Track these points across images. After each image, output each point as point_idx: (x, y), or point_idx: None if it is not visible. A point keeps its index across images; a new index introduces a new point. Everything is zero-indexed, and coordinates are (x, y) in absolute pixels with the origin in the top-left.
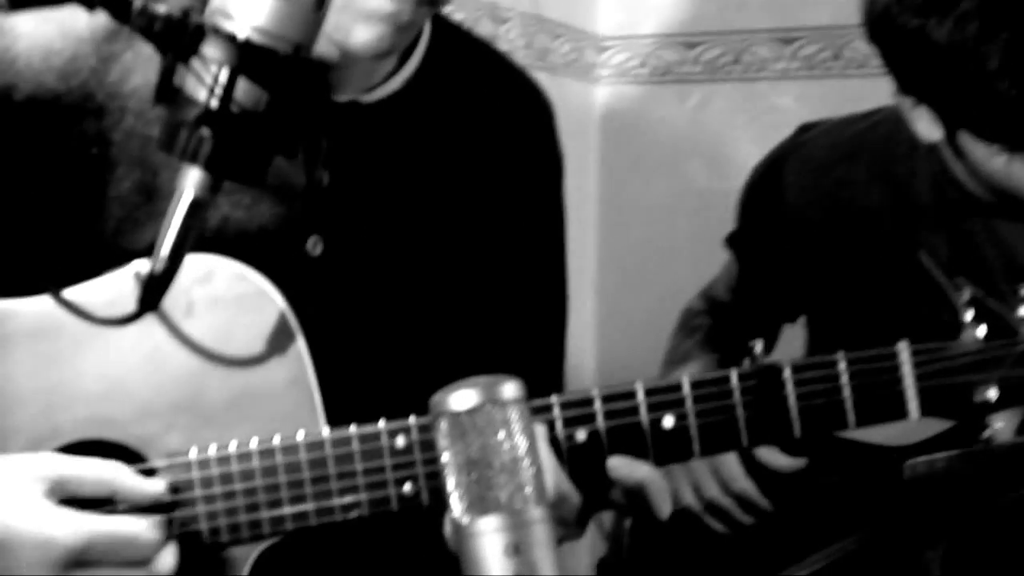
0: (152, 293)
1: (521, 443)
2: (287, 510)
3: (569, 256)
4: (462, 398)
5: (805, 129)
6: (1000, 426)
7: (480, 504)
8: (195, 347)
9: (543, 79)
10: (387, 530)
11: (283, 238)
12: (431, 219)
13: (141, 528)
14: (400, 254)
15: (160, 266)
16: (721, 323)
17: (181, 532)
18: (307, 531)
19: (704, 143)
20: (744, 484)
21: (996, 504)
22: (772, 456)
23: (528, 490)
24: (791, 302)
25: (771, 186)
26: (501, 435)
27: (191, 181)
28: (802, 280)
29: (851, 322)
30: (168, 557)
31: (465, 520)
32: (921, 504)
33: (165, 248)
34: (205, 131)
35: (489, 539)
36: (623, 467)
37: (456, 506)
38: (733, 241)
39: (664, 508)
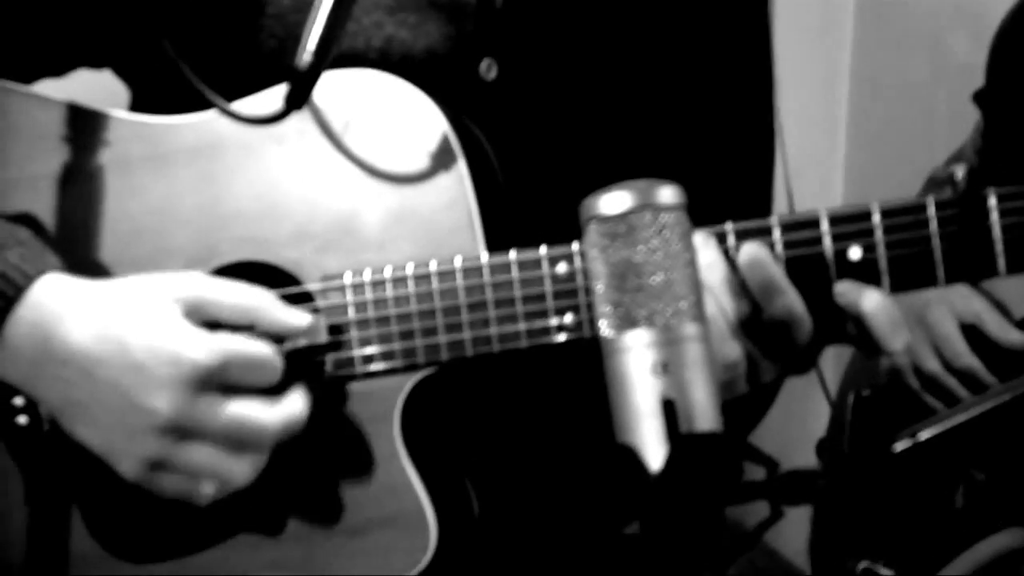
0: (299, 90)
1: (677, 252)
2: (442, 338)
3: (817, 135)
4: (614, 201)
5: None
6: None
7: (628, 317)
8: (353, 163)
9: None
10: (547, 368)
11: (453, 61)
12: (616, 42)
13: (278, 355)
14: (582, 79)
15: (306, 61)
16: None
17: (334, 358)
18: (463, 364)
19: (967, 13)
20: (970, 360)
21: None
22: (1003, 331)
23: (682, 304)
24: None
25: (1021, 32)
26: (655, 243)
27: None
28: None
29: None
30: (305, 394)
31: (611, 335)
32: None
33: (311, 42)
34: None
35: (636, 355)
36: (850, 292)
37: (603, 320)
38: (981, 97)
39: (891, 341)
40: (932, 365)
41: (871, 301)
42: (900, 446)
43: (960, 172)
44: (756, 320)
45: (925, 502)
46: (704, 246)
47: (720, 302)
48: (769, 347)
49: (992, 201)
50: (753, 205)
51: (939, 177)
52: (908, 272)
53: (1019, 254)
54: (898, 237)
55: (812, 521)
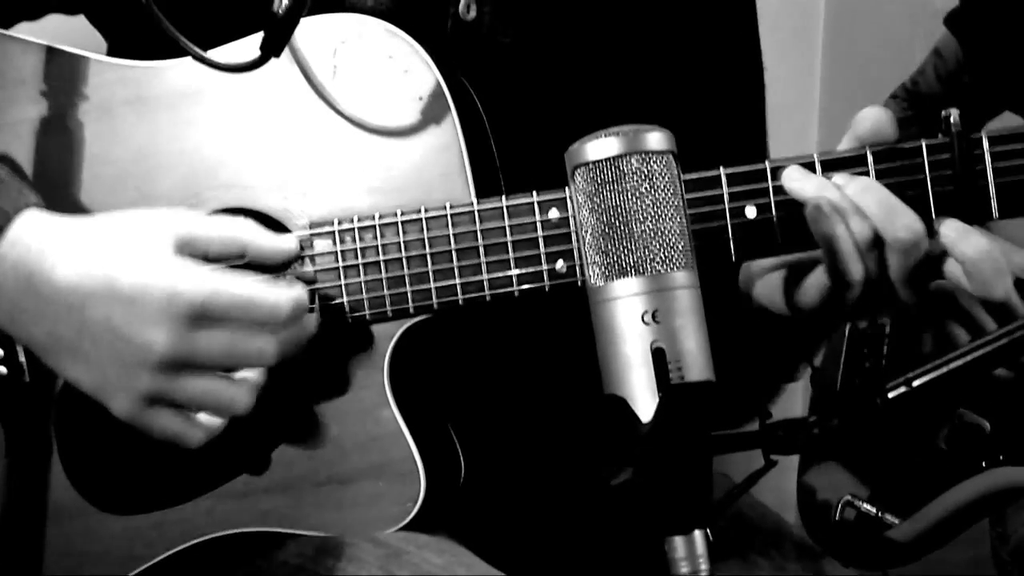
0: (275, 36)
1: (667, 199)
2: (433, 285)
3: (792, 83)
4: (601, 146)
5: None
6: None
7: (617, 265)
8: (340, 110)
9: None
10: (538, 318)
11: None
12: None
13: (271, 289)
14: (567, 18)
15: (283, 6)
16: (924, 116)
17: (325, 303)
18: (454, 312)
19: None
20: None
21: None
22: None
23: (672, 251)
24: (1013, 86)
25: None
26: (644, 189)
27: None
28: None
29: None
30: (308, 322)
31: (600, 283)
32: None
33: None
34: None
35: (625, 304)
36: (954, 231)
37: (591, 268)
38: (954, 21)
39: (993, 287)
40: (1008, 296)
41: (975, 243)
42: (893, 392)
43: (955, 115)
44: (879, 242)
45: (910, 443)
46: (806, 175)
47: (848, 222)
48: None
49: (985, 144)
50: (747, 147)
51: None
52: None
53: (1012, 198)
54: (891, 181)
55: (800, 469)
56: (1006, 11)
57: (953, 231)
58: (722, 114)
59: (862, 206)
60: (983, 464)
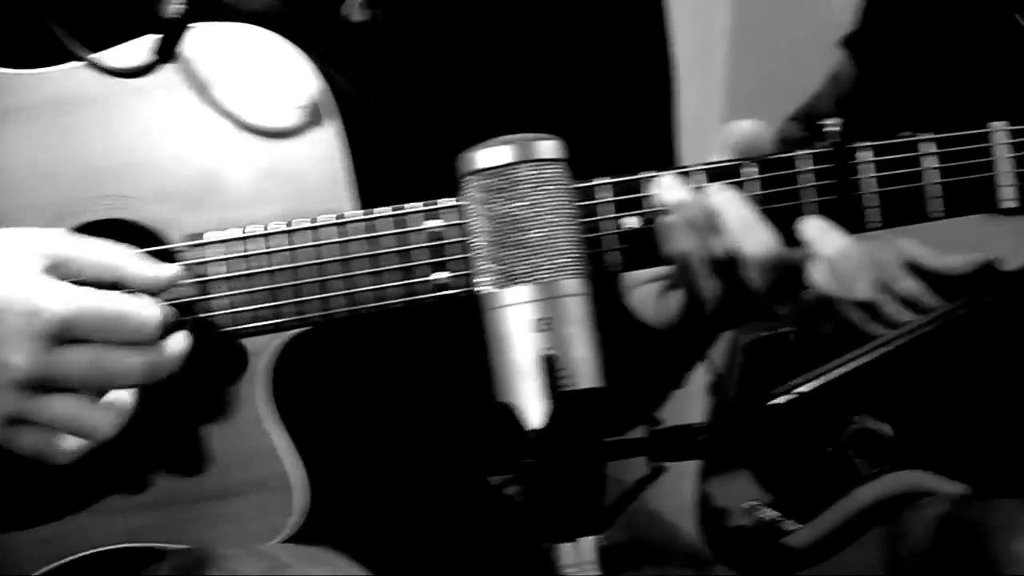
0: (168, 41)
1: (558, 207)
2: (311, 296)
3: (696, 91)
4: (493, 155)
5: None
6: None
7: (508, 273)
8: (221, 119)
9: None
10: (419, 328)
11: (316, 3)
12: None
13: (137, 306)
14: (460, 22)
15: (174, 10)
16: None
17: (196, 318)
18: (335, 325)
19: None
20: (909, 284)
21: None
22: (939, 259)
23: (564, 259)
24: (909, 107)
25: None
26: (535, 197)
27: None
28: (922, 79)
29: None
30: (176, 341)
31: (491, 291)
32: None
33: None
34: None
35: (516, 312)
36: (815, 230)
37: (482, 276)
38: (850, 42)
39: (852, 285)
40: (871, 294)
41: (835, 244)
42: (778, 400)
43: (833, 124)
44: (735, 258)
45: (807, 449)
46: (676, 188)
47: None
48: (739, 285)
49: (863, 154)
50: (655, 154)
51: (792, 137)
52: (782, 225)
53: (891, 208)
54: (774, 191)
55: (698, 476)
56: (901, 33)
57: (814, 230)
58: (629, 120)
59: (721, 221)
60: (882, 468)
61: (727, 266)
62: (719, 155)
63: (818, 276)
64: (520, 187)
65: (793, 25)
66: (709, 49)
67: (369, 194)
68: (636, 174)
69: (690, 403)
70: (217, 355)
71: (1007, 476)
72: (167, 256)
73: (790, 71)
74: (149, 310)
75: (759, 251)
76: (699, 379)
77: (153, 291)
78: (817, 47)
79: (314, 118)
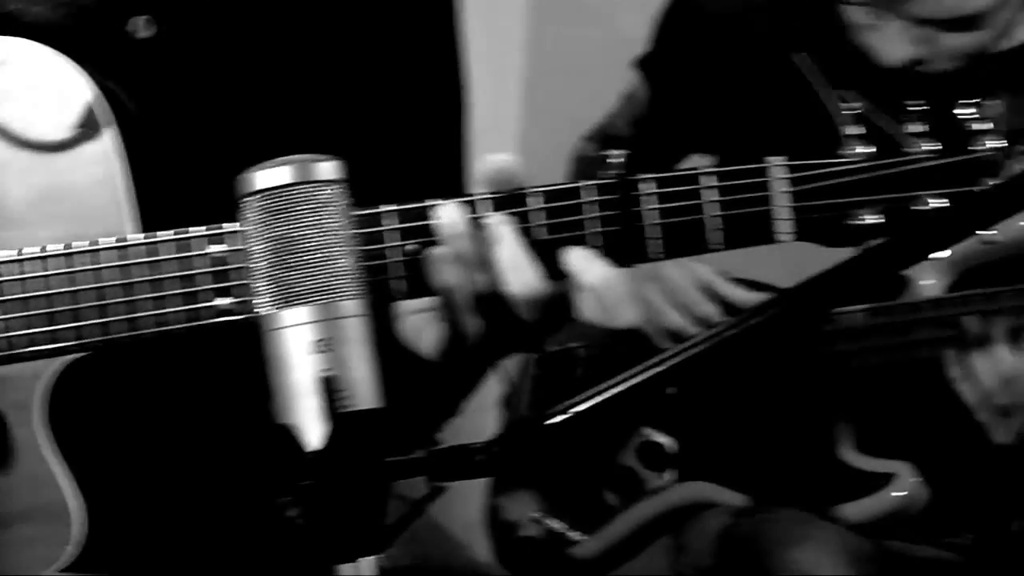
0: None
1: (336, 228)
2: (90, 321)
3: (491, 106)
4: (272, 175)
5: None
6: (931, 283)
7: (286, 295)
8: None
9: None
10: (200, 351)
11: (100, 17)
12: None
13: None
14: (247, 41)
15: None
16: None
17: None
18: (116, 349)
19: None
20: (706, 307)
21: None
22: (731, 290)
23: (342, 281)
24: (699, 130)
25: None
26: (313, 219)
27: None
28: (713, 102)
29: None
30: None
31: (270, 313)
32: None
33: None
34: None
35: (294, 333)
36: (579, 261)
37: (261, 298)
38: (646, 64)
39: (618, 315)
40: (674, 319)
41: (597, 273)
42: (554, 419)
43: (617, 156)
44: (497, 295)
45: (592, 462)
46: (453, 217)
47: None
48: (502, 321)
49: (644, 187)
50: (443, 175)
51: (588, 156)
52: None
53: (672, 239)
54: (559, 221)
55: (488, 489)
56: (691, 58)
57: (577, 261)
58: (419, 143)
59: (491, 257)
60: (666, 480)
61: (490, 303)
62: (476, 188)
63: (585, 306)
64: (298, 208)
65: (590, 44)
66: (504, 69)
67: (152, 215)
68: (423, 201)
69: (485, 417)
70: None
71: (785, 486)
72: None
73: (587, 90)
74: None
75: (525, 291)
76: (493, 393)
77: None
78: (614, 67)
79: (91, 137)
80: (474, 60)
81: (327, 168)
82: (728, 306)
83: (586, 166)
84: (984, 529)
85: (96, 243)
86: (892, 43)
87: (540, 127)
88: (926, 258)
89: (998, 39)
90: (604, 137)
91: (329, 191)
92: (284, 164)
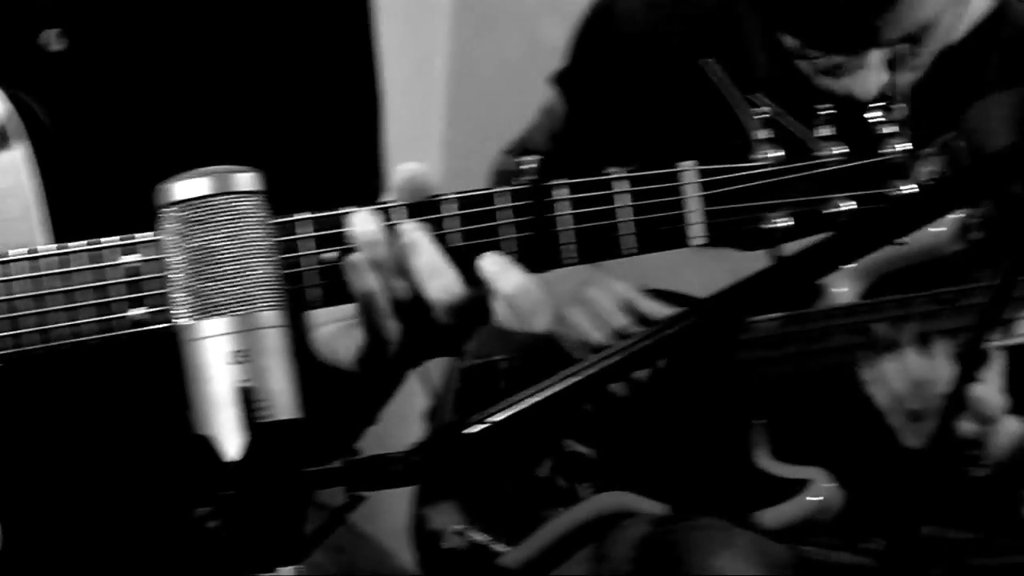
0: None
1: (255, 239)
2: (2, 333)
3: (415, 113)
4: (190, 186)
5: None
6: (843, 291)
7: (205, 305)
8: None
9: None
10: (116, 362)
11: (12, 30)
12: (202, 13)
13: None
14: (161, 52)
15: None
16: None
17: None
18: (31, 360)
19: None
20: (621, 320)
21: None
22: (648, 305)
23: (259, 292)
24: (618, 144)
25: (606, 14)
26: (232, 229)
27: None
28: (630, 116)
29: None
30: None
31: (188, 323)
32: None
33: None
34: None
35: (212, 344)
36: (493, 267)
37: (179, 308)
38: (563, 79)
39: (532, 321)
40: (597, 336)
41: (511, 280)
42: (472, 429)
43: (529, 163)
44: (417, 300)
45: (513, 473)
46: (368, 224)
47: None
48: (421, 326)
49: (558, 192)
50: (360, 184)
51: (508, 169)
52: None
53: (586, 245)
54: (474, 227)
55: (414, 499)
56: (606, 72)
57: (491, 267)
58: (335, 152)
59: (408, 263)
60: (587, 490)
61: (409, 308)
62: (390, 196)
63: (499, 311)
64: (216, 219)
65: (510, 57)
66: (427, 77)
67: (65, 227)
68: (338, 209)
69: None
70: None
71: (703, 494)
72: None
73: (511, 98)
74: None
75: (443, 296)
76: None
77: None
78: (536, 76)
79: (2, 144)
80: (396, 69)
81: (246, 179)
82: (646, 321)
83: (506, 180)
84: (895, 534)
85: (6, 255)
86: (866, 77)
87: (463, 135)
88: (837, 269)
89: (949, 32)
90: (523, 151)
91: (248, 202)
92: (203, 175)
